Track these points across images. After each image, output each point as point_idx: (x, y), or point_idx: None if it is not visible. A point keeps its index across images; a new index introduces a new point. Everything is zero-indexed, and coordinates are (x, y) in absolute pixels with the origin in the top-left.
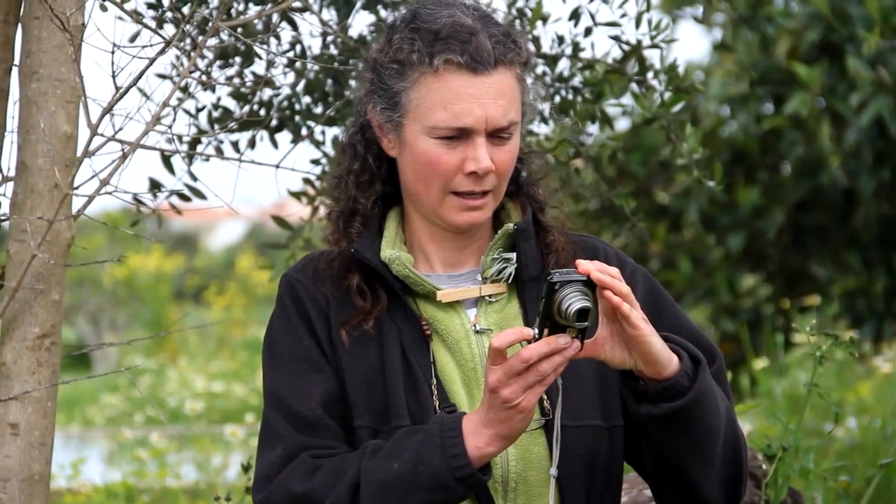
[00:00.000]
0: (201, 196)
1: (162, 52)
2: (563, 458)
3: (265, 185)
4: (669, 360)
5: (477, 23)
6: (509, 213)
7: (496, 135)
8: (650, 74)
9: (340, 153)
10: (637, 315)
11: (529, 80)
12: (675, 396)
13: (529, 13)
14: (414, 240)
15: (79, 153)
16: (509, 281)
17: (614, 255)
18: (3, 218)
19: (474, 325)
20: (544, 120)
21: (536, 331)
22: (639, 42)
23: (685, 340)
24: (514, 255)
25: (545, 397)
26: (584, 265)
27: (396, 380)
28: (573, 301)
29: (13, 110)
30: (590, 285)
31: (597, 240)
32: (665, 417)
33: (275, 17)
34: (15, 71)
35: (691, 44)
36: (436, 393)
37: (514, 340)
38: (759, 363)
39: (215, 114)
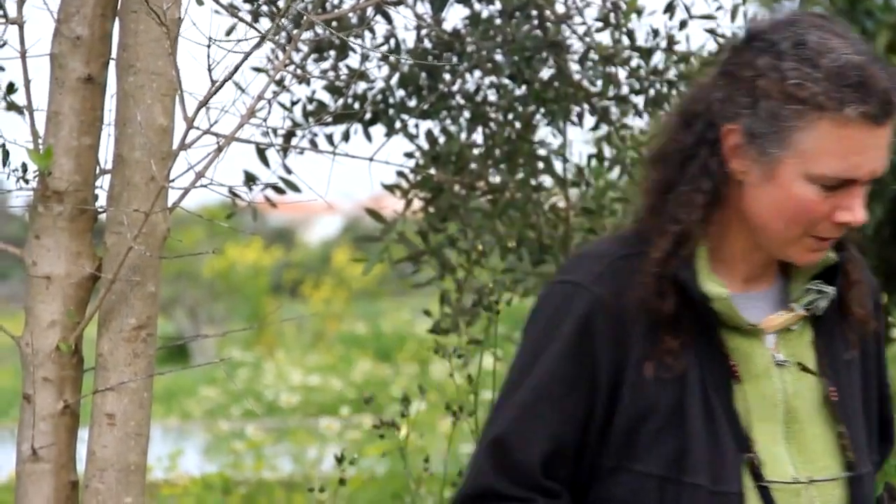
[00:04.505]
0: (296, 189)
1: (257, 45)
2: None
3: (361, 179)
4: None
5: (874, 65)
6: None
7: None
8: None
9: (681, 161)
10: None
11: None
12: None
13: (624, 6)
14: (724, 252)
15: (175, 146)
16: (815, 312)
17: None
18: (100, 210)
19: (774, 357)
20: (638, 113)
21: None
22: (734, 35)
23: None
24: (832, 289)
25: (848, 445)
26: None
27: (696, 426)
28: None
29: (110, 103)
30: None
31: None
32: None
33: (369, 11)
34: (112, 65)
35: None
36: (734, 444)
37: None
38: None
39: (310, 107)
